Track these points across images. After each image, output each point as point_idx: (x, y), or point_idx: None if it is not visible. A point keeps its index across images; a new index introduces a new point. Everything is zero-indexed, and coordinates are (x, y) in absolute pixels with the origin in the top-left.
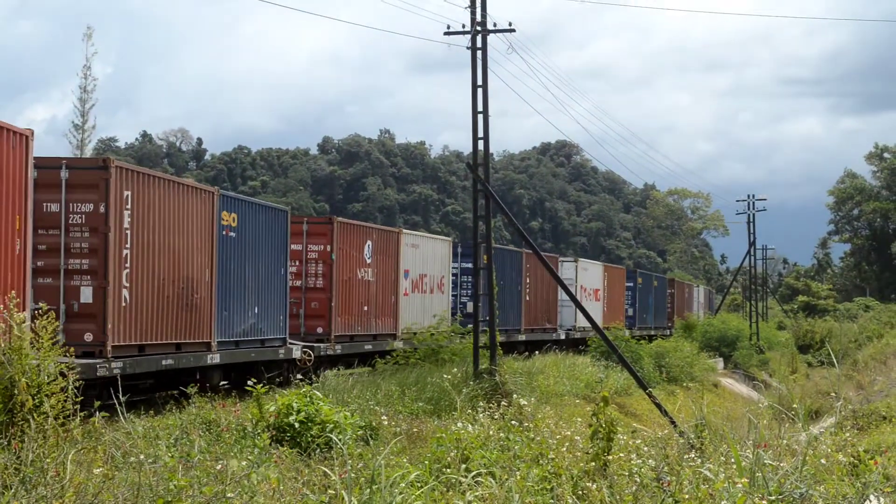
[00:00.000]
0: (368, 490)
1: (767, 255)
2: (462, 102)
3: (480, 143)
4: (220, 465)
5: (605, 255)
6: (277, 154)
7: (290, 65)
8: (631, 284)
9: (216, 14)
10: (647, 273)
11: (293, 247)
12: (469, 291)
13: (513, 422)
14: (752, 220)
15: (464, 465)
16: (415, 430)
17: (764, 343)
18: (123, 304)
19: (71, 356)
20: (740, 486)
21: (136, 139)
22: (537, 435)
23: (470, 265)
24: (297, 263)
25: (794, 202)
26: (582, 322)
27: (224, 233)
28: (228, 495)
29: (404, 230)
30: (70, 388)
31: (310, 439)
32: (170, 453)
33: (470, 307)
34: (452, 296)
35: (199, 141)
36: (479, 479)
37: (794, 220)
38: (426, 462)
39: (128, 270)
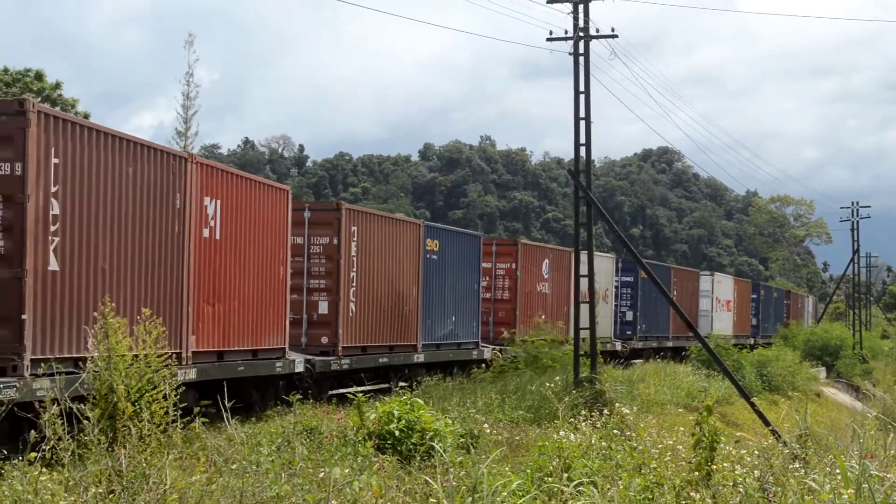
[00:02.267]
0: (470, 499)
1: (871, 263)
2: (564, 109)
3: (582, 150)
4: (322, 473)
5: (706, 262)
6: (378, 161)
7: (397, 71)
8: (755, 296)
9: (322, 20)
10: (768, 286)
11: (484, 265)
12: (628, 302)
13: (614, 431)
14: (855, 227)
15: (566, 475)
16: (516, 438)
17: (867, 352)
18: (350, 314)
19: (174, 364)
20: (846, 497)
21: (239, 146)
22: (639, 444)
23: (629, 279)
24: (488, 279)
25: None
26: (717, 330)
27: (428, 256)
28: (332, 503)
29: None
30: (171, 394)
31: (410, 447)
32: (271, 459)
33: (629, 316)
34: (614, 305)
35: (301, 147)
36: (581, 488)
37: None
38: (528, 471)
39: (354, 288)
